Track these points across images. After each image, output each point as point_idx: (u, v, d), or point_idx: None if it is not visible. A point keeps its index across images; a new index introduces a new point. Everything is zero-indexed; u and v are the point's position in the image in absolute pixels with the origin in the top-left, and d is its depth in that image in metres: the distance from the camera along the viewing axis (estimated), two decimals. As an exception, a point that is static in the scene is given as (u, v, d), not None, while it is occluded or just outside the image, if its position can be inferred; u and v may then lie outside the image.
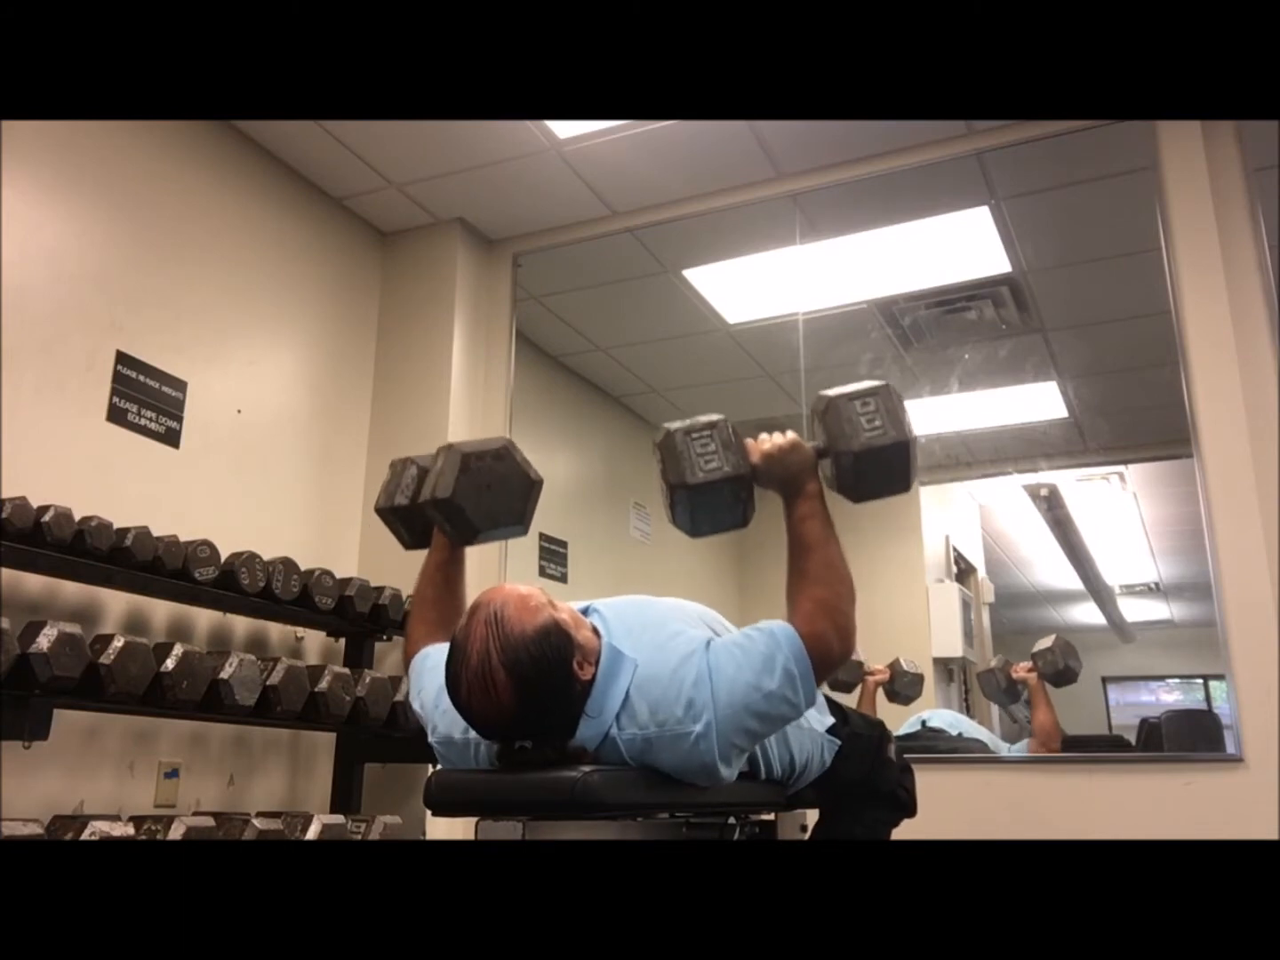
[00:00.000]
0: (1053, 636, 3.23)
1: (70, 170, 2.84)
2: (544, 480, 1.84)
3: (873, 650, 3.40)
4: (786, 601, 1.55)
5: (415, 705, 1.69)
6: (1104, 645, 4.28)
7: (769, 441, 1.64)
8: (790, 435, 1.65)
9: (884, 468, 1.62)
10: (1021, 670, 3.23)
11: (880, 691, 3.43)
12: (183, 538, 2.70)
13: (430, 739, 1.60)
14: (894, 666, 3.45)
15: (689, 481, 1.59)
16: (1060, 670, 3.16)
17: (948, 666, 3.80)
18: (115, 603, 2.76)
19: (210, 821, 2.42)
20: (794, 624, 1.49)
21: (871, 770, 1.80)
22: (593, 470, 4.47)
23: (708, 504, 1.62)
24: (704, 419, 1.64)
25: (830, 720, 1.80)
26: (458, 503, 1.74)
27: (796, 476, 1.62)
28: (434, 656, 1.67)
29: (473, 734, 1.49)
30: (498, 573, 3.55)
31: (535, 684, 1.38)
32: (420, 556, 1.93)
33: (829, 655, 1.49)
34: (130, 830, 2.25)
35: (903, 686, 3.44)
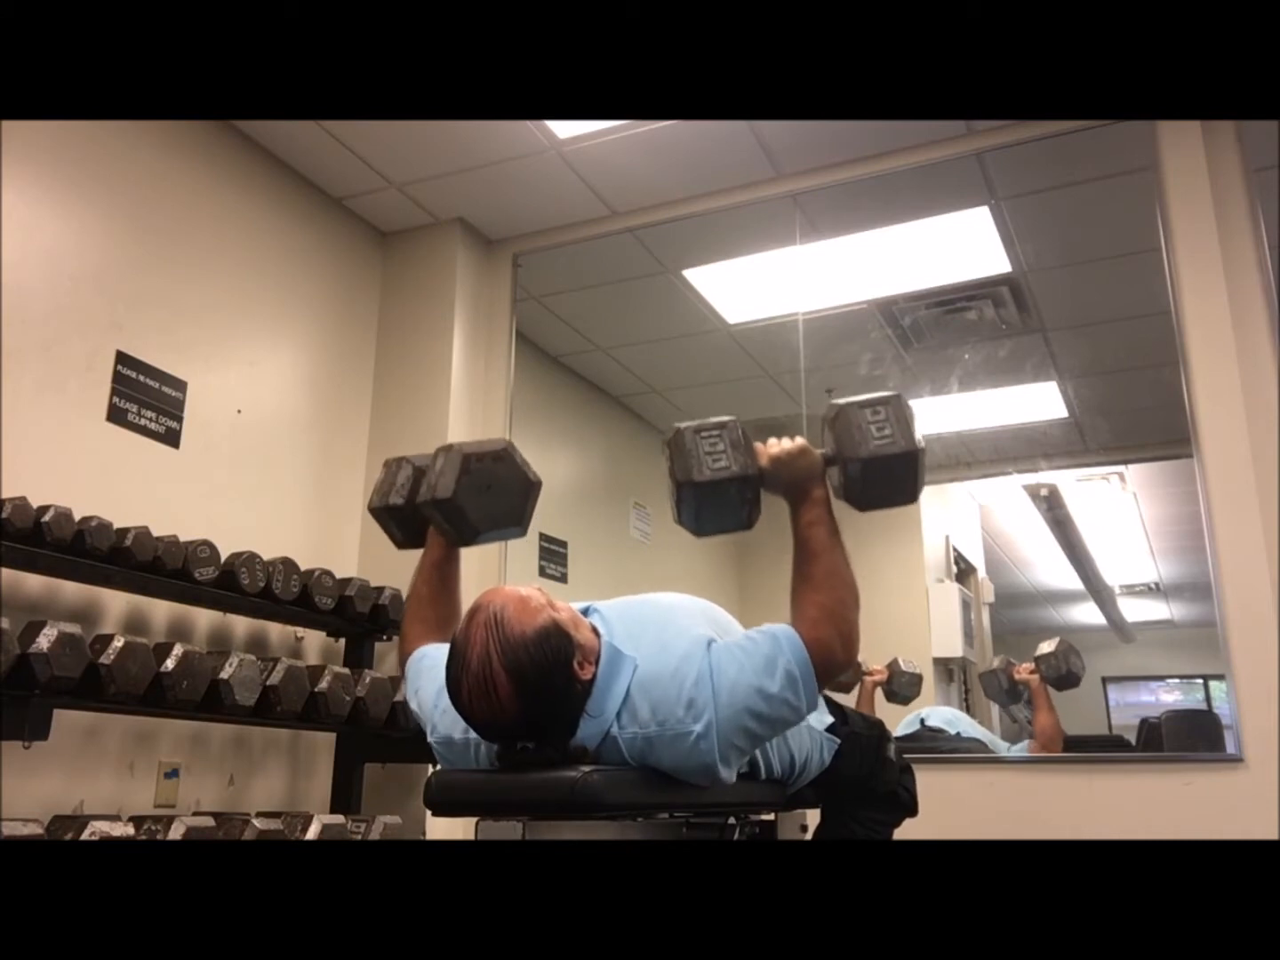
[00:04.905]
0: (1056, 640, 3.20)
1: (70, 170, 2.84)
2: (543, 482, 1.84)
3: (873, 650, 3.40)
4: (791, 606, 1.55)
5: (413, 704, 1.70)
6: (1104, 645, 4.28)
7: (778, 446, 1.64)
8: (799, 440, 1.65)
9: (891, 476, 1.62)
10: (1024, 672, 3.21)
11: (879, 692, 3.43)
12: (183, 538, 2.70)
13: (430, 739, 1.60)
14: (892, 667, 3.45)
15: (695, 479, 1.59)
16: (1063, 674, 3.14)
17: (948, 666, 3.80)
18: (115, 603, 2.76)
19: (210, 821, 2.42)
20: (797, 629, 1.49)
21: (871, 770, 1.81)
22: (593, 470, 4.46)
23: (713, 503, 1.62)
24: (715, 419, 1.64)
25: (829, 719, 1.80)
26: (458, 503, 1.74)
27: (804, 482, 1.61)
28: (431, 656, 1.67)
29: (473, 734, 1.49)
30: (497, 573, 3.56)
31: (536, 685, 1.38)
32: (415, 554, 1.93)
33: (832, 661, 1.49)
34: (130, 830, 2.25)
35: (901, 687, 3.43)
